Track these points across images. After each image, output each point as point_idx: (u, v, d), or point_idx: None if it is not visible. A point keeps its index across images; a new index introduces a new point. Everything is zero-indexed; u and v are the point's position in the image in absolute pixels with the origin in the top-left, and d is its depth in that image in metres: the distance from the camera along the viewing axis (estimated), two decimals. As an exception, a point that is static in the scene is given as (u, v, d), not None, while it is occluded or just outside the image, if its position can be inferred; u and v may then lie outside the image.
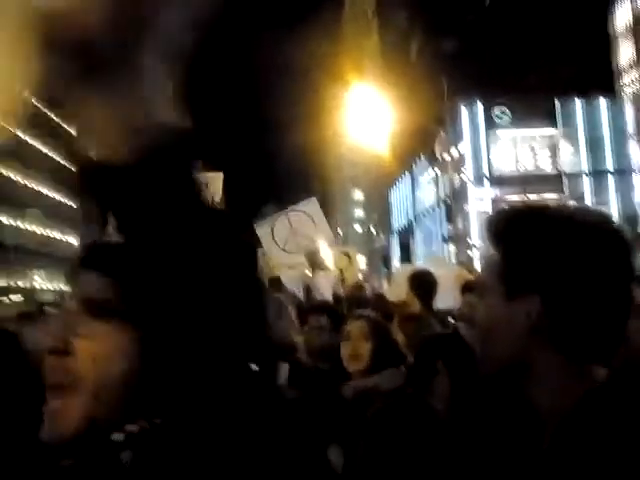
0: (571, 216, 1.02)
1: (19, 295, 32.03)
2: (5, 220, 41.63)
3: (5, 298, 29.34)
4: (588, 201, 28.48)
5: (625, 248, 0.99)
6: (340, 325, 2.71)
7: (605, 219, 1.03)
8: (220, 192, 3.78)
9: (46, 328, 0.92)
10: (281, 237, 6.82)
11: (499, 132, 31.05)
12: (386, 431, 1.90)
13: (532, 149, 31.43)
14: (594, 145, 30.62)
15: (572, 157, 31.02)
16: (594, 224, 1.00)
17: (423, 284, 3.50)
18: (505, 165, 31.19)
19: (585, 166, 30.76)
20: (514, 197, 28.02)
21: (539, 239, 0.99)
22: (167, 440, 0.89)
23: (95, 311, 0.90)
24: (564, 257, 0.97)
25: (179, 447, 0.88)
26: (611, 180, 30.46)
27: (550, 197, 28.42)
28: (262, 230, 6.81)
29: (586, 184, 30.49)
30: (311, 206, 6.96)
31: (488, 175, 30.64)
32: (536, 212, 1.04)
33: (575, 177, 30.71)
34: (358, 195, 64.54)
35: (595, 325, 0.95)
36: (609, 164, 30.61)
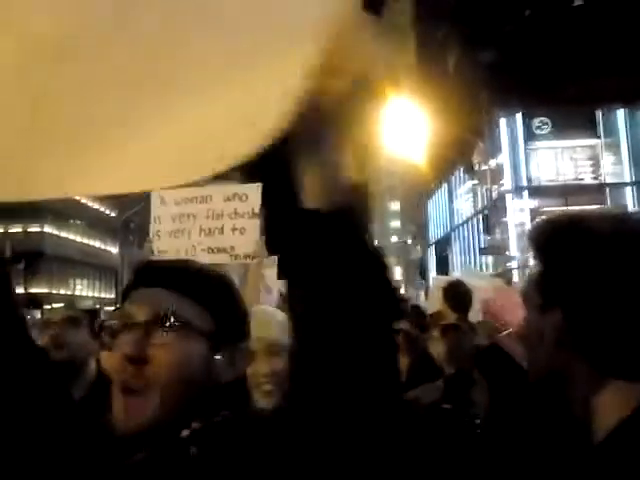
0: (608, 229, 1.01)
1: (61, 303, 32.82)
2: (49, 230, 42.72)
3: (48, 305, 30.06)
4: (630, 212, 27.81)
5: None
6: None
7: None
8: (259, 203, 3.82)
9: (123, 338, 1.03)
10: None
11: (539, 143, 30.61)
12: (425, 446, 1.88)
13: (573, 160, 30.88)
14: (637, 155, 29.93)
15: (614, 167, 30.38)
16: (631, 237, 0.98)
17: (457, 295, 3.48)
18: (545, 176, 30.72)
19: (628, 177, 30.09)
20: (554, 208, 27.55)
21: (569, 254, 1.00)
22: (228, 434, 0.98)
23: (166, 323, 1.02)
24: (588, 272, 0.97)
25: (240, 441, 0.96)
26: (655, 191, 29.73)
27: (591, 208, 27.87)
28: None
29: (629, 195, 29.80)
30: None
31: (527, 186, 30.22)
32: (574, 225, 1.04)
33: (617, 188, 30.05)
34: (395, 206, 64.32)
35: (624, 341, 0.94)
36: (653, 175, 29.90)
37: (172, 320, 1.02)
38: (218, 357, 1.05)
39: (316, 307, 0.76)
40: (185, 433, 0.98)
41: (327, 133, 0.76)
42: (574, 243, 1.00)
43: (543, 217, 1.15)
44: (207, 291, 1.08)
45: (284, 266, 0.81)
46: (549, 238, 1.05)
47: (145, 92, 0.86)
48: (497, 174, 30.71)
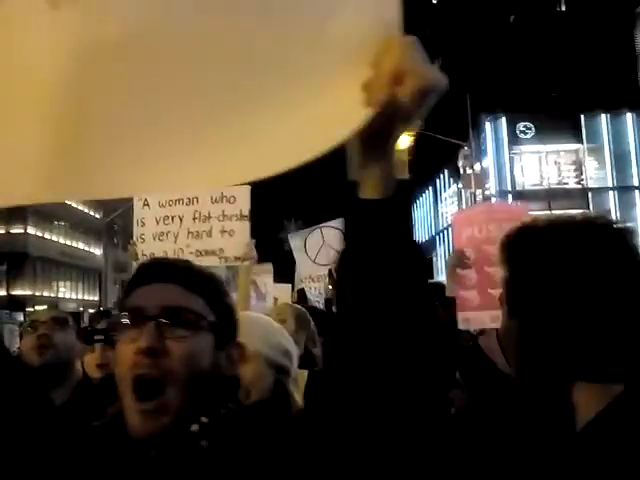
0: (568, 240, 1.03)
1: (44, 305, 32.48)
2: (32, 232, 42.29)
3: (30, 307, 29.78)
4: (614, 217, 28.02)
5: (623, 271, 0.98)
6: None
7: (609, 235, 1.03)
8: (248, 205, 3.80)
9: (138, 332, 1.03)
10: (313, 249, 7.06)
11: (523, 147, 30.85)
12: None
13: (557, 164, 31.15)
14: (620, 160, 30.24)
15: (597, 172, 30.67)
16: (592, 246, 1.00)
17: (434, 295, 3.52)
18: (529, 180, 30.95)
19: (611, 182, 30.37)
20: (538, 213, 27.73)
21: (527, 266, 1.04)
22: (236, 427, 1.02)
23: (180, 317, 1.04)
24: (543, 286, 1.00)
25: (247, 432, 1.01)
26: (638, 196, 30.02)
27: (575, 213, 28.06)
28: (295, 242, 7.08)
29: (612, 200, 30.09)
30: (340, 221, 7.22)
31: (512, 190, 30.42)
32: (535, 237, 1.08)
33: (601, 193, 30.34)
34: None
35: (580, 350, 0.96)
36: (636, 180, 30.19)
37: (185, 314, 1.05)
38: (221, 352, 1.08)
39: (369, 282, 0.86)
40: (195, 427, 1.01)
41: (386, 133, 0.88)
42: (532, 256, 1.03)
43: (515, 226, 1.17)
44: (211, 288, 1.12)
45: (346, 243, 0.91)
46: (512, 249, 1.09)
47: (214, 93, 0.92)
48: (482, 178, 30.88)
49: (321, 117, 0.88)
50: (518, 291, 1.04)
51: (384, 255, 0.87)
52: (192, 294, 1.08)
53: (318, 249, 6.95)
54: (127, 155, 0.95)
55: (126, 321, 1.07)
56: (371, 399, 0.84)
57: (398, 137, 0.90)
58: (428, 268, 0.90)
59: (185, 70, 0.92)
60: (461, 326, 2.88)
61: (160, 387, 1.00)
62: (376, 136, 0.88)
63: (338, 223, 7.23)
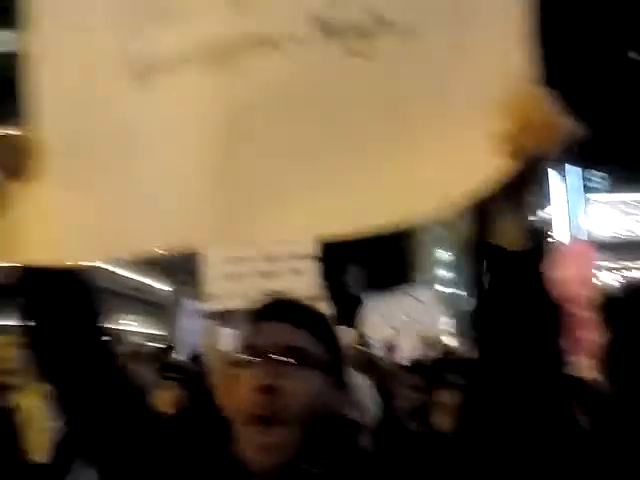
0: None
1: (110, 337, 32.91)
2: (102, 265, 43.45)
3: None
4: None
5: None
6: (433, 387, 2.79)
7: None
8: (316, 245, 3.71)
9: (255, 369, 1.07)
10: (390, 314, 7.26)
11: (591, 196, 30.10)
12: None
13: (626, 214, 30.21)
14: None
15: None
16: None
17: None
18: (597, 230, 30.07)
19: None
20: (607, 264, 26.87)
21: (630, 332, 1.07)
22: (360, 473, 1.03)
23: (293, 357, 1.08)
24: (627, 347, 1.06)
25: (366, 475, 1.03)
26: None
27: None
28: (374, 304, 7.35)
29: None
30: (424, 292, 7.63)
31: (579, 239, 29.57)
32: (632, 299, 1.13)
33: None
34: (444, 255, 63.01)
35: None
36: None
37: (302, 353, 1.08)
38: (336, 391, 1.12)
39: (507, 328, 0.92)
40: (313, 470, 1.02)
41: (521, 185, 0.92)
42: (630, 324, 1.06)
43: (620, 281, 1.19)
44: (325, 328, 1.17)
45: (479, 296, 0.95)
46: (616, 312, 1.12)
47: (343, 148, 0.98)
48: (548, 227, 30.15)
49: (452, 169, 0.91)
50: (622, 356, 1.06)
51: (531, 306, 0.92)
52: (309, 334, 1.11)
53: (393, 314, 7.15)
54: (263, 204, 1.06)
55: (244, 358, 1.10)
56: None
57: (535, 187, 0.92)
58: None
59: (316, 124, 1.00)
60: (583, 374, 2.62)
61: (278, 423, 1.02)
62: (515, 187, 0.92)
63: (417, 291, 7.47)
